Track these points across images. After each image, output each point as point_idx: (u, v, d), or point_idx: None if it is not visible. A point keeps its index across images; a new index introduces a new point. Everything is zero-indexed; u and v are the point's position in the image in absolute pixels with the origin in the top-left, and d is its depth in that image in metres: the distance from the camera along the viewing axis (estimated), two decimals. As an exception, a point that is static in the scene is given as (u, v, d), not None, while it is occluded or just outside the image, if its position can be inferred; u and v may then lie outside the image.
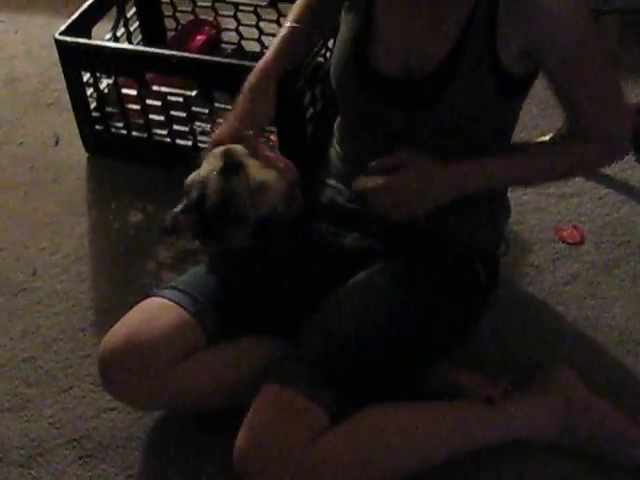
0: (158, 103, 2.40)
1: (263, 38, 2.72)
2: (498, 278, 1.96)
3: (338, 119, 1.95)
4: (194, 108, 2.39)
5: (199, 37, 2.72)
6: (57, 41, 2.42)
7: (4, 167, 2.65)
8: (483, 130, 1.76)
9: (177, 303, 1.80)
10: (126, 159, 2.55)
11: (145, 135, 2.49)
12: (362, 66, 1.77)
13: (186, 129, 2.42)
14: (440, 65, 1.68)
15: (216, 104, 2.36)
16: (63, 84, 2.53)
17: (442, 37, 1.68)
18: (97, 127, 2.56)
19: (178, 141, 2.46)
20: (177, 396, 1.79)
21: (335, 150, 1.94)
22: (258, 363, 1.80)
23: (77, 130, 2.62)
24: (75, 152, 2.65)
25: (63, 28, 2.43)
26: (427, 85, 1.70)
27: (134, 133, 2.52)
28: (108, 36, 2.61)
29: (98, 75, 2.48)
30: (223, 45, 2.77)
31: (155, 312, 1.80)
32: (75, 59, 2.45)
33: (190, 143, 2.43)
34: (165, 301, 1.81)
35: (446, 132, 1.74)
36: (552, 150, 1.87)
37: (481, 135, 1.77)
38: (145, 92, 2.40)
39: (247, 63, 2.25)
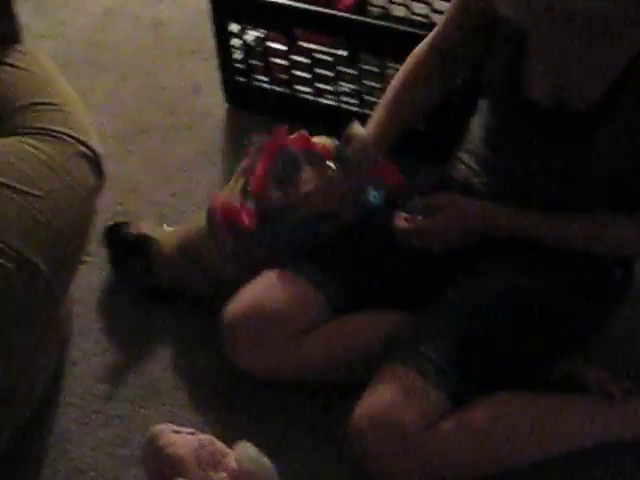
0: (304, 60, 2.39)
1: (412, 4, 2.67)
2: (633, 275, 1.89)
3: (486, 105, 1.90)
4: (339, 68, 2.36)
5: (348, -3, 2.68)
6: (210, -11, 2.41)
7: (143, 110, 2.68)
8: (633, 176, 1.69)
9: (303, 273, 1.81)
10: (266, 113, 2.54)
11: (288, 91, 2.49)
12: (514, 92, 1.73)
13: (331, 88, 2.40)
14: (598, 99, 1.62)
15: (362, 66, 2.33)
16: (207, 32, 2.54)
17: (601, 70, 1.61)
18: (239, 79, 2.57)
19: (320, 99, 2.45)
20: (298, 368, 1.81)
21: (478, 128, 1.89)
22: (381, 338, 1.80)
23: (218, 80, 2.63)
24: (214, 101, 2.66)
25: (216, -23, 2.43)
26: (582, 119, 1.65)
27: (277, 88, 2.52)
28: (257, -11, 2.60)
29: (246, 27, 2.48)
30: (370, 8, 2.72)
31: (280, 281, 1.82)
32: (225, 9, 2.45)
33: (334, 102, 2.42)
34: (288, 272, 1.83)
35: (592, 170, 1.69)
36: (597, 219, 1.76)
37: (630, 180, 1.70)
38: (292, 47, 2.38)
39: (396, 27, 2.25)
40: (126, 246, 2.10)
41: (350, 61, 2.34)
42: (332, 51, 2.35)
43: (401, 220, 1.78)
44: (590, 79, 1.62)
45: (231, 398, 1.90)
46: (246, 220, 1.92)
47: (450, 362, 1.64)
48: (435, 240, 1.77)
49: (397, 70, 2.17)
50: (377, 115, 1.89)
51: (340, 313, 1.82)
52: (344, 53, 2.34)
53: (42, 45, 2.88)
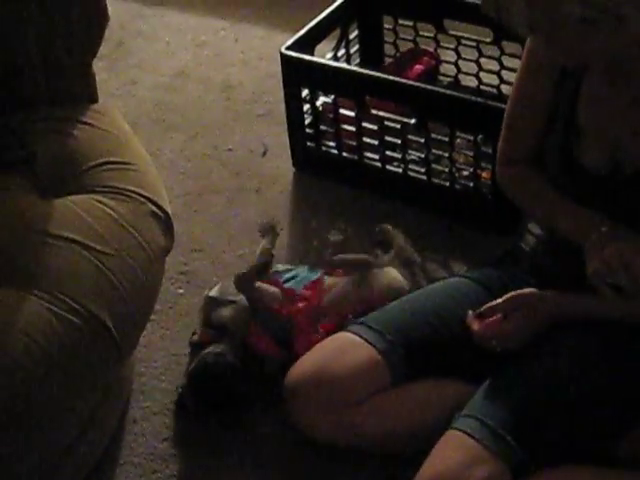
0: (374, 127, 2.40)
1: (481, 74, 2.69)
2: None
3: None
4: (408, 136, 2.37)
5: (417, 66, 2.70)
6: (282, 55, 2.45)
7: (211, 170, 2.71)
8: None
9: (367, 340, 1.81)
10: (333, 179, 2.57)
11: (356, 157, 2.50)
12: (569, 163, 1.72)
13: (398, 156, 2.41)
14: None
15: (432, 135, 2.33)
16: (276, 96, 2.57)
17: None
18: (308, 143, 2.58)
19: (389, 167, 2.45)
20: (361, 434, 1.79)
21: None
22: (443, 408, 1.77)
23: (285, 143, 2.66)
24: (281, 165, 2.68)
25: (289, 43, 2.47)
26: (627, 186, 1.64)
27: (345, 154, 2.53)
28: (329, 55, 2.63)
29: (316, 93, 2.50)
30: (440, 77, 2.74)
31: (346, 347, 1.82)
32: (297, 74, 2.48)
33: (401, 170, 2.43)
34: (355, 337, 1.82)
35: None
36: None
37: None
38: (362, 114, 2.40)
39: (465, 96, 2.25)
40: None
41: (418, 129, 2.34)
42: (401, 119, 2.36)
43: (475, 322, 1.77)
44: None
45: (292, 462, 1.89)
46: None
47: (511, 432, 1.61)
48: (516, 340, 1.75)
49: (463, 139, 2.20)
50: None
51: (400, 381, 1.81)
52: (412, 121, 2.34)
53: (114, 103, 2.93)
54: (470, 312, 1.78)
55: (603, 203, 1.70)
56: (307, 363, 1.83)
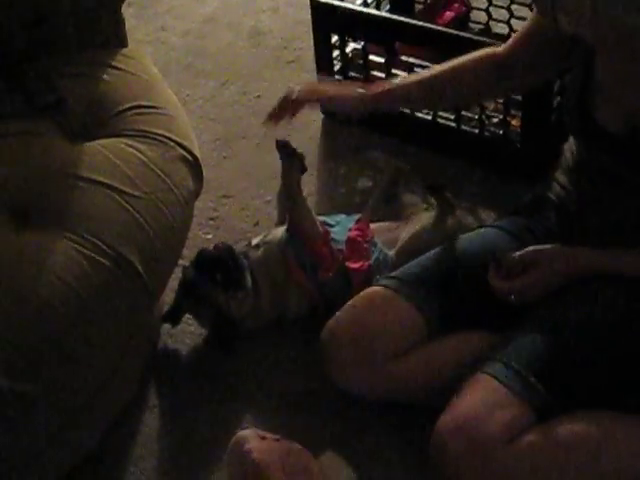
0: (404, 73, 2.37)
1: (513, 21, 2.64)
2: None
3: None
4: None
5: (448, 13, 2.67)
6: (313, 1, 2.42)
7: (240, 117, 2.70)
8: None
9: (402, 294, 1.80)
10: (362, 125, 2.51)
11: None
12: (584, 119, 1.70)
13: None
14: None
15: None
16: (305, 43, 2.56)
17: None
18: (337, 90, 2.55)
19: (417, 114, 2.44)
20: (396, 388, 1.80)
21: (569, 150, 1.87)
22: (473, 356, 1.75)
23: (315, 91, 2.62)
24: (310, 112, 2.63)
25: (319, -12, 2.44)
26: None
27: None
28: (359, 1, 2.60)
29: (346, 39, 2.48)
30: (471, 24, 2.71)
31: (381, 302, 1.82)
32: (327, 20, 2.46)
33: (430, 117, 2.42)
34: (390, 291, 1.82)
35: None
36: None
37: None
38: (392, 61, 2.38)
39: (495, 42, 2.21)
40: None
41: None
42: (430, 65, 2.30)
43: (496, 277, 1.76)
44: None
45: (320, 409, 1.89)
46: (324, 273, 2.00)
47: (535, 375, 1.61)
48: (533, 295, 1.74)
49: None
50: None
51: (434, 335, 1.82)
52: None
53: (145, 50, 2.93)
54: (492, 263, 1.77)
55: (617, 167, 1.68)
56: (344, 318, 1.83)
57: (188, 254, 2.15)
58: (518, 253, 1.76)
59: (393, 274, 1.88)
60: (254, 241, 2.10)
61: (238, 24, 3.07)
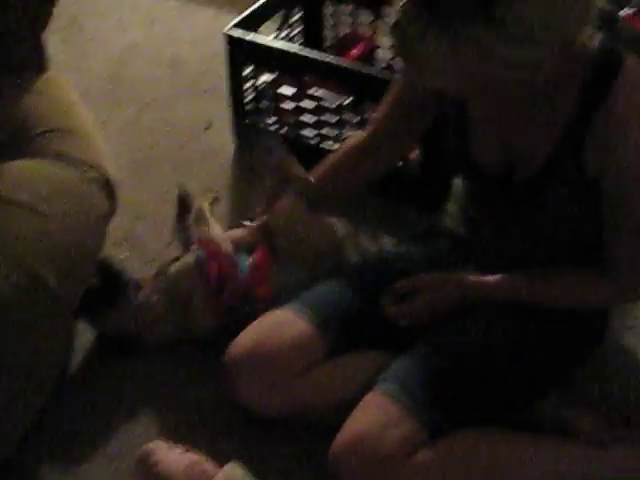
0: (311, 105, 2.38)
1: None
2: (608, 321, 1.87)
3: None
4: (344, 116, 2.36)
5: (355, 50, 2.68)
6: (227, 35, 2.42)
7: (157, 143, 2.67)
8: (566, 236, 1.69)
9: (301, 315, 1.80)
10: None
11: (294, 134, 2.47)
12: (464, 161, 1.73)
13: (335, 133, 2.40)
14: (542, 165, 1.60)
15: (366, 115, 2.31)
16: (221, 74, 2.54)
17: (541, 138, 1.59)
18: (248, 120, 2.56)
19: (324, 144, 2.43)
20: (296, 406, 1.79)
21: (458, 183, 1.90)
22: (371, 375, 1.75)
23: (227, 119, 2.62)
24: (223, 139, 2.65)
25: (234, 23, 2.44)
26: (528, 185, 1.64)
27: (283, 130, 2.50)
28: (272, 36, 2.60)
29: (258, 71, 2.49)
30: (376, 61, 2.72)
31: (281, 323, 1.80)
32: (240, 52, 2.45)
33: (336, 147, 2.39)
34: (290, 312, 1.81)
35: (547, 230, 1.69)
36: (563, 275, 1.71)
37: (566, 241, 1.70)
38: (301, 93, 2.38)
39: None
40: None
41: (354, 108, 2.33)
42: (337, 97, 2.36)
43: (388, 304, 1.77)
44: (532, 147, 1.61)
45: (226, 422, 1.87)
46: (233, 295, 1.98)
47: (427, 393, 1.62)
48: (420, 319, 1.76)
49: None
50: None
51: (334, 353, 1.81)
52: (348, 100, 2.34)
53: (67, 76, 2.87)
54: (384, 295, 1.78)
55: (503, 206, 1.71)
56: (244, 340, 1.80)
57: None
58: (406, 281, 1.78)
59: (295, 298, 1.86)
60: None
61: (158, 53, 3.04)
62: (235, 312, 1.96)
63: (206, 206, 2.18)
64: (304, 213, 1.98)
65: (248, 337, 1.81)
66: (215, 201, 2.31)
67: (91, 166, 1.84)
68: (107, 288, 1.96)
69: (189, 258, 2.03)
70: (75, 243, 1.71)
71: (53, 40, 2.93)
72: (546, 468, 1.68)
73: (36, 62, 2.01)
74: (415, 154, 2.31)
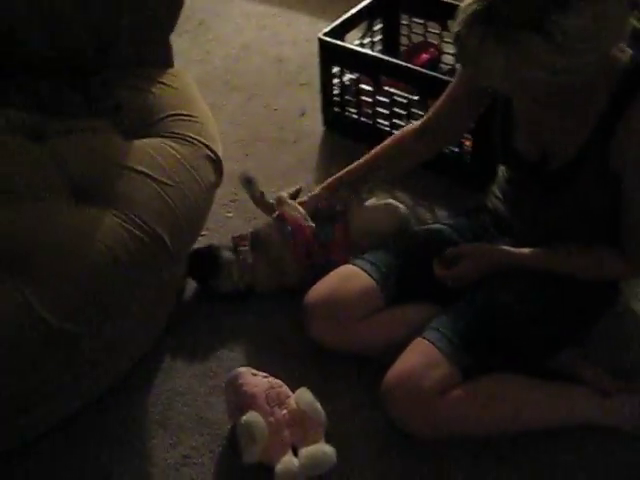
0: (386, 99, 2.33)
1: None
2: (620, 287, 1.81)
3: None
4: (412, 109, 2.30)
5: (424, 55, 2.61)
6: (320, 40, 2.37)
7: (260, 125, 2.63)
8: (591, 220, 1.62)
9: (366, 271, 1.77)
10: (353, 138, 2.48)
11: (371, 122, 2.42)
12: (507, 150, 1.67)
13: (404, 123, 2.32)
14: (573, 157, 1.53)
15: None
16: (316, 70, 2.49)
17: (573, 133, 1.52)
18: (336, 109, 2.51)
19: (394, 131, 2.34)
20: (359, 343, 1.77)
21: (502, 170, 1.83)
22: (418, 323, 1.73)
23: (318, 108, 2.57)
24: (315, 124, 2.61)
25: (326, 30, 2.38)
26: (559, 174, 1.57)
27: (363, 119, 2.45)
28: (357, 42, 2.55)
29: (344, 70, 2.43)
30: (442, 65, 2.64)
31: (349, 277, 1.78)
32: (330, 55, 2.40)
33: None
34: (357, 269, 1.79)
35: (574, 213, 1.62)
36: (583, 253, 1.64)
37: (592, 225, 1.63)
38: (377, 89, 2.33)
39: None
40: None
41: (420, 104, 2.27)
42: (407, 95, 2.29)
43: (438, 267, 1.73)
44: (565, 140, 1.54)
45: (300, 356, 1.86)
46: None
47: (464, 341, 1.60)
48: (464, 281, 1.72)
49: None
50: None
51: (391, 303, 1.79)
52: (416, 97, 2.27)
53: (194, 68, 2.88)
54: (436, 258, 1.74)
55: (537, 191, 1.64)
56: (320, 288, 1.79)
57: (213, 227, 2.16)
58: (454, 248, 1.73)
59: (362, 256, 1.83)
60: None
61: (266, 52, 3.00)
62: (317, 267, 1.93)
63: (285, 194, 2.10)
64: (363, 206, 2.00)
65: (322, 287, 1.80)
66: (298, 192, 2.21)
67: (204, 145, 1.83)
68: (208, 266, 1.94)
69: (273, 229, 1.99)
70: (188, 207, 1.71)
71: (184, 39, 2.98)
72: (556, 409, 1.65)
73: (164, 59, 2.00)
74: (468, 142, 2.23)
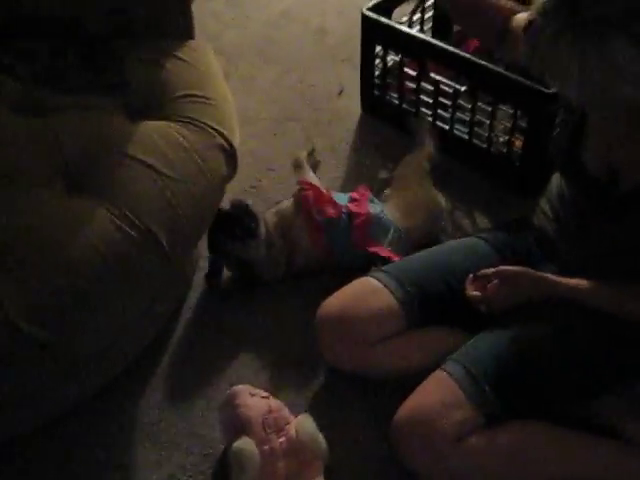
0: (431, 87, 2.14)
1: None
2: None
3: None
4: (459, 101, 2.11)
5: (476, 41, 2.38)
6: (363, 15, 2.18)
7: (294, 102, 2.47)
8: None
9: (388, 288, 1.62)
10: (392, 124, 2.31)
11: (414, 110, 2.23)
12: (572, 159, 1.48)
13: (448, 115, 2.15)
14: (631, 190, 1.36)
15: (479, 103, 2.06)
16: (357, 47, 2.31)
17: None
18: (376, 92, 2.33)
19: (438, 122, 2.19)
20: (375, 369, 1.64)
21: (556, 180, 1.63)
22: (443, 351, 1.57)
23: (357, 88, 2.39)
24: (352, 106, 2.43)
25: (370, 5, 2.20)
26: (621, 202, 1.39)
27: (404, 105, 2.27)
28: (404, 19, 2.34)
29: (388, 50, 2.23)
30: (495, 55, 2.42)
31: (369, 292, 1.64)
32: (373, 33, 2.22)
33: (447, 127, 2.16)
34: (378, 284, 1.63)
35: (615, 244, 1.46)
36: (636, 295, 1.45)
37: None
38: (422, 75, 2.14)
39: (512, 75, 1.96)
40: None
41: (467, 95, 2.08)
42: (454, 84, 2.09)
43: (472, 287, 1.56)
44: (637, 162, 1.36)
45: (310, 377, 1.72)
46: (331, 210, 1.84)
47: (489, 384, 1.44)
48: (499, 307, 1.54)
49: (504, 111, 2.00)
50: None
51: (413, 326, 1.63)
52: (463, 88, 2.08)
53: (226, 33, 2.71)
54: (470, 275, 1.57)
55: (593, 211, 1.46)
56: (335, 303, 1.64)
57: None
58: (492, 270, 1.55)
59: (384, 268, 1.68)
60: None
61: (306, 21, 2.81)
62: (334, 226, 1.83)
63: (304, 155, 2.07)
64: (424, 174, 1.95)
65: (337, 301, 1.65)
66: (312, 152, 2.17)
67: (217, 132, 1.68)
68: (243, 219, 1.79)
69: (288, 202, 1.91)
70: (191, 204, 1.57)
71: (220, 1, 2.80)
72: (588, 467, 1.47)
73: (182, 29, 1.83)
74: (518, 142, 2.04)
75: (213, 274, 1.85)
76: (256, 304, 1.86)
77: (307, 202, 1.85)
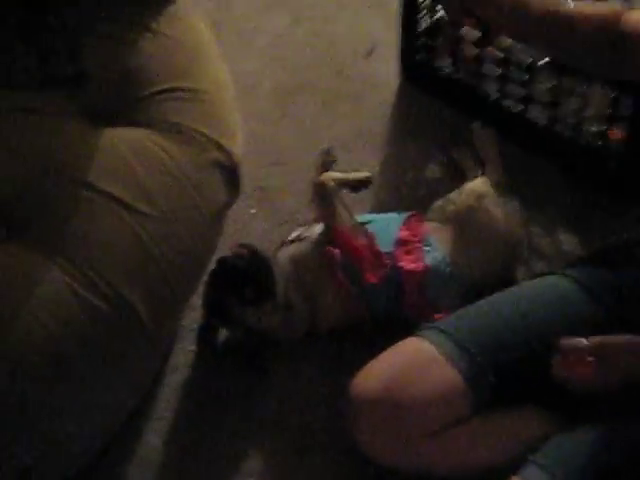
0: (498, 56, 1.97)
1: None
2: None
3: None
4: (537, 76, 1.94)
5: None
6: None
7: (308, 66, 2.30)
8: None
9: (450, 358, 1.48)
10: (442, 100, 2.15)
11: (473, 84, 2.07)
12: None
13: (521, 93, 1.98)
14: None
15: (563, 82, 1.90)
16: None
17: None
18: (419, 56, 2.15)
19: (504, 103, 2.03)
20: (427, 466, 1.50)
21: None
22: (524, 445, 1.44)
23: (394, 46, 2.20)
24: (387, 70, 2.25)
25: None
26: None
27: (460, 77, 2.10)
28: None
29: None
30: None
31: (423, 364, 1.51)
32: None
33: (519, 109, 2.01)
34: (435, 351, 1.49)
35: None
36: None
37: None
38: (487, 39, 1.92)
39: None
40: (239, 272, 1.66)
41: (549, 70, 1.90)
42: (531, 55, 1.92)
43: (560, 366, 1.41)
44: None
45: (328, 456, 1.61)
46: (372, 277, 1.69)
47: None
48: (594, 389, 1.41)
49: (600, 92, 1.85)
50: None
51: (481, 409, 1.49)
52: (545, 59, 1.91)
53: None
54: (560, 342, 1.41)
55: None
56: (376, 377, 1.49)
57: (229, 230, 1.79)
58: (585, 343, 1.39)
59: (441, 324, 1.53)
60: (291, 236, 1.76)
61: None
62: (376, 295, 1.68)
63: (332, 185, 1.73)
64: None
65: (379, 376, 1.50)
66: (328, 151, 1.87)
67: (213, 142, 1.52)
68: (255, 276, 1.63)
69: (311, 237, 1.72)
70: (178, 252, 1.41)
71: None
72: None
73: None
74: (618, 133, 1.88)
75: (207, 329, 1.68)
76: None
77: (335, 264, 1.67)
